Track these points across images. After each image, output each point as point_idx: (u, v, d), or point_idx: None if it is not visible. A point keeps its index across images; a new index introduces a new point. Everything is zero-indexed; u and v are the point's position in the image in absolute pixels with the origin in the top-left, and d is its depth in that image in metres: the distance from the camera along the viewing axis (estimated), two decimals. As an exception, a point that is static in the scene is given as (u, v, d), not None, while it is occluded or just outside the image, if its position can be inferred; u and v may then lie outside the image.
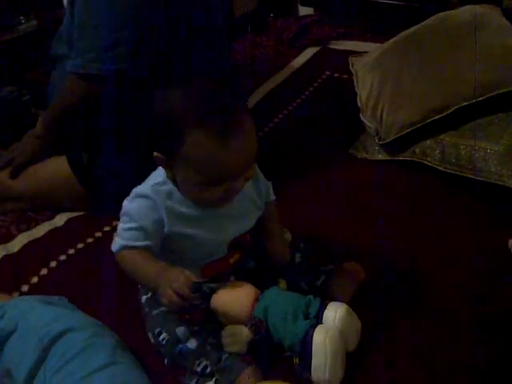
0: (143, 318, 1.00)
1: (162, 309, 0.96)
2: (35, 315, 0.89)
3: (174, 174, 0.89)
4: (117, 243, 0.95)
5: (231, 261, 1.01)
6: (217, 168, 0.83)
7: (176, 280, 0.86)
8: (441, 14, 1.67)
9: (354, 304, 0.98)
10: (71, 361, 0.81)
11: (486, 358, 0.96)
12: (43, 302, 0.94)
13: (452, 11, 1.67)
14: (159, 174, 0.93)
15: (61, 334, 0.84)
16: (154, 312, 0.97)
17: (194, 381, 0.91)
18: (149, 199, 0.91)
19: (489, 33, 1.49)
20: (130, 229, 0.92)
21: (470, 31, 1.50)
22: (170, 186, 0.92)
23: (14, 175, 1.35)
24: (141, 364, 0.91)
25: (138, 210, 0.92)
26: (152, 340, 0.95)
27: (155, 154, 0.88)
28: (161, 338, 0.93)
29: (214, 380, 0.90)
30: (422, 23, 1.68)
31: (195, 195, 0.89)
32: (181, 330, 0.92)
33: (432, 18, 1.68)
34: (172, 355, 0.93)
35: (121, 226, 0.95)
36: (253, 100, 1.85)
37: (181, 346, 0.91)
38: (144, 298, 1.01)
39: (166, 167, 0.90)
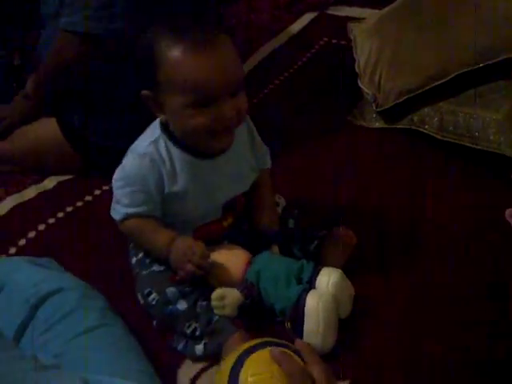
0: (133, 278, 0.98)
1: (154, 268, 0.95)
2: (23, 275, 0.87)
3: (165, 111, 0.87)
4: (118, 211, 0.93)
5: (225, 224, 0.99)
6: (197, 82, 0.81)
7: (193, 253, 0.88)
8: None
9: (346, 270, 0.97)
10: (60, 321, 0.80)
11: (480, 318, 0.96)
12: (31, 263, 0.92)
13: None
14: (154, 131, 0.91)
15: (49, 295, 0.82)
16: (144, 272, 0.95)
17: (183, 343, 0.90)
18: (148, 157, 0.89)
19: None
20: (132, 193, 0.91)
21: (473, -5, 1.46)
22: (166, 142, 0.90)
23: (1, 136, 1.32)
24: (129, 327, 0.89)
25: (138, 171, 0.90)
26: (141, 301, 0.94)
27: (142, 92, 0.86)
28: (150, 298, 0.91)
29: (202, 343, 0.88)
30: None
31: (188, 125, 0.85)
32: (171, 291, 0.90)
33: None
34: (161, 316, 0.91)
35: (120, 191, 0.93)
36: (249, 65, 1.81)
37: (171, 307, 0.90)
38: (134, 259, 0.99)
39: (154, 106, 0.87)
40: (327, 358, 0.84)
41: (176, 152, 0.90)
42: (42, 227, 1.18)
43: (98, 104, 1.27)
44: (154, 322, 0.93)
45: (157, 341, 0.92)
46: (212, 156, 0.92)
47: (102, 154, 1.25)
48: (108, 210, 1.06)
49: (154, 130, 0.92)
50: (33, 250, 1.11)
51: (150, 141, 0.90)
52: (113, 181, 0.95)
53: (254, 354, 0.70)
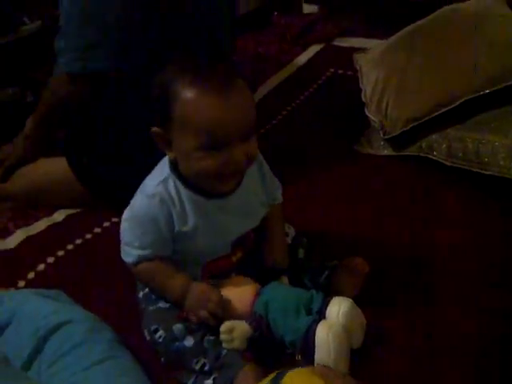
0: (140, 314, 0.97)
1: (160, 305, 0.94)
2: (32, 307, 0.87)
3: (174, 150, 0.86)
4: (129, 253, 0.93)
5: (234, 259, 0.98)
6: (211, 124, 0.80)
7: (209, 300, 0.88)
8: (446, 8, 1.63)
9: (358, 300, 0.95)
10: (67, 354, 0.79)
11: (494, 346, 0.95)
12: (40, 295, 0.92)
13: (457, 4, 1.64)
14: (163, 171, 0.91)
15: (58, 326, 0.82)
16: (151, 308, 0.94)
17: (192, 379, 0.88)
18: (158, 198, 0.88)
19: (495, 24, 1.46)
20: (142, 234, 0.90)
21: (475, 23, 1.47)
22: (175, 181, 0.89)
23: (3, 178, 1.34)
24: (138, 360, 0.88)
25: (148, 211, 0.89)
26: (148, 337, 0.92)
27: (153, 129, 0.86)
28: (157, 335, 0.90)
29: (212, 378, 0.86)
30: (427, 17, 1.65)
31: (197, 167, 0.84)
32: (178, 328, 0.89)
33: (437, 12, 1.65)
34: (168, 353, 0.90)
35: (129, 232, 0.92)
36: (257, 96, 1.82)
37: (177, 343, 0.88)
38: (141, 293, 0.98)
39: (164, 144, 0.87)
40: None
41: (185, 192, 0.89)
42: (51, 260, 1.18)
43: (106, 143, 1.28)
44: (162, 359, 0.92)
45: (165, 376, 0.91)
46: (221, 196, 0.91)
47: (111, 190, 1.26)
48: (117, 242, 1.06)
49: (162, 169, 0.91)
50: (42, 283, 1.11)
51: (158, 180, 0.89)
52: (122, 221, 0.94)
53: (290, 372, 0.71)
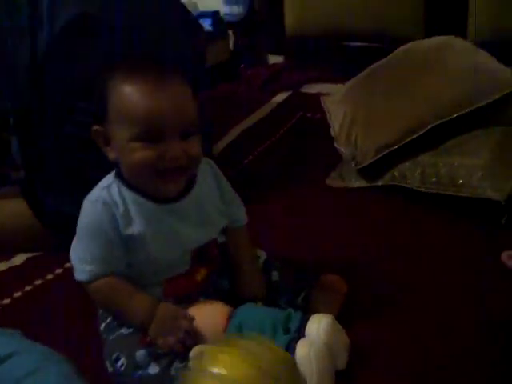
0: (102, 346, 0.88)
1: (122, 331, 0.86)
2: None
3: (113, 147, 0.84)
4: (83, 270, 0.86)
5: (198, 277, 0.91)
6: (144, 113, 0.79)
7: (179, 326, 0.83)
8: (405, 45, 1.67)
9: (339, 320, 0.88)
10: (14, 385, 0.69)
11: (482, 363, 0.89)
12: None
13: (417, 41, 1.68)
14: (107, 179, 0.87)
15: (3, 359, 0.72)
16: (112, 336, 0.86)
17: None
18: (100, 202, 0.84)
19: (455, 53, 1.50)
20: (92, 244, 0.84)
21: (436, 54, 1.51)
22: (119, 186, 0.85)
23: None
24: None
25: (93, 218, 0.84)
26: (110, 368, 0.84)
27: (93, 127, 0.84)
28: (118, 364, 0.82)
29: (182, 411, 0.77)
30: (388, 56, 1.69)
31: (133, 159, 0.80)
32: (141, 354, 0.81)
33: (396, 50, 1.69)
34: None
35: (79, 245, 0.87)
36: (229, 138, 1.82)
37: (141, 372, 0.80)
38: (103, 324, 0.90)
39: (103, 141, 0.85)
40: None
41: (129, 195, 0.85)
42: (6, 301, 1.09)
43: (55, 176, 1.23)
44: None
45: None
46: (168, 201, 0.87)
47: (63, 222, 1.19)
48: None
49: (107, 179, 0.88)
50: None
51: (102, 186, 0.86)
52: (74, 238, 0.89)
53: None
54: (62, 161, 1.21)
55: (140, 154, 0.80)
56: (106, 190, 0.85)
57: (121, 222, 0.83)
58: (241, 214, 1.00)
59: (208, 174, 0.93)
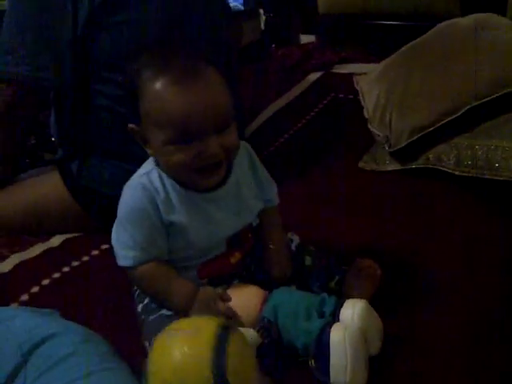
0: (139, 328, 0.90)
1: (163, 312, 0.87)
2: (17, 322, 0.79)
3: (149, 147, 0.83)
4: (126, 256, 0.87)
5: (232, 260, 0.92)
6: (175, 115, 0.76)
7: (218, 311, 0.84)
8: (442, 23, 1.63)
9: (372, 305, 0.88)
10: (54, 367, 0.71)
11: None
12: (29, 311, 0.85)
13: (454, 19, 1.63)
14: (147, 166, 0.87)
15: (44, 340, 0.75)
16: (152, 318, 0.88)
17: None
18: (140, 187, 0.84)
19: (494, 31, 1.45)
20: (135, 230, 0.85)
21: (474, 32, 1.46)
22: (160, 173, 0.85)
23: None
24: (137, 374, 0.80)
25: (134, 203, 0.85)
26: (149, 349, 0.85)
27: (129, 126, 0.83)
28: None
29: (218, 390, 0.79)
30: (425, 34, 1.65)
31: (169, 163, 0.80)
32: None
33: (433, 28, 1.64)
34: None
35: (122, 233, 0.87)
36: (258, 122, 1.81)
37: None
38: (140, 306, 0.92)
39: (141, 140, 0.84)
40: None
41: (170, 182, 0.85)
42: (46, 282, 1.12)
43: (91, 150, 1.24)
44: (164, 372, 0.85)
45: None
46: (207, 190, 0.87)
47: (99, 202, 1.21)
48: (115, 263, 1.00)
49: (147, 165, 0.88)
50: (35, 305, 1.03)
51: (142, 173, 0.86)
52: (114, 224, 0.89)
53: None
54: (97, 135, 1.21)
55: (176, 157, 0.79)
56: (146, 176, 0.85)
57: (162, 208, 0.84)
58: (273, 195, 1.00)
59: (243, 157, 0.92)
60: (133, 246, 0.86)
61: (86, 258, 1.20)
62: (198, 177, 0.82)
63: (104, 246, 1.23)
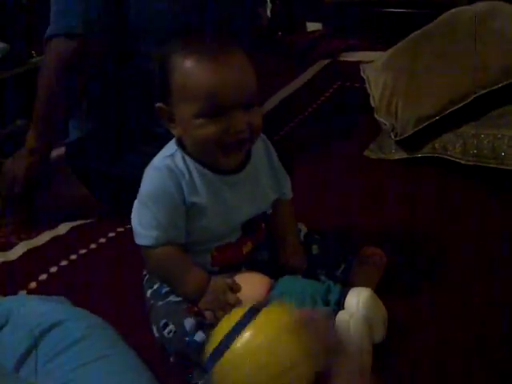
0: (148, 312, 0.91)
1: (170, 299, 0.88)
2: (28, 308, 0.81)
3: (177, 124, 0.85)
4: (146, 235, 0.87)
5: (244, 250, 0.93)
6: (208, 89, 0.80)
7: (226, 303, 0.85)
8: (449, 11, 1.62)
9: (377, 293, 0.89)
10: (65, 351, 0.73)
11: None
12: (38, 298, 0.87)
13: (461, 7, 1.62)
14: (170, 148, 0.89)
15: (55, 325, 0.76)
16: (160, 303, 0.89)
17: (203, 380, 0.81)
18: (165, 168, 0.86)
19: (502, 19, 1.44)
20: (158, 210, 0.86)
21: (482, 20, 1.45)
22: (183, 156, 0.87)
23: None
24: (144, 360, 0.82)
25: (158, 184, 0.86)
26: (156, 334, 0.87)
27: (156, 105, 0.86)
28: (166, 330, 0.84)
29: (225, 377, 0.80)
30: (431, 23, 1.64)
31: (198, 135, 0.82)
32: (189, 322, 0.83)
33: (440, 16, 1.63)
34: (178, 350, 0.83)
35: (145, 211, 0.87)
36: (265, 109, 1.80)
37: (187, 339, 0.82)
38: (150, 291, 0.93)
39: (167, 119, 0.86)
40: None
41: (194, 165, 0.87)
42: (53, 269, 1.13)
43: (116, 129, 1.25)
44: (171, 358, 0.86)
45: (174, 377, 0.84)
46: (228, 173, 0.89)
47: (99, 180, 1.23)
48: (122, 251, 1.02)
49: (170, 147, 0.89)
50: (43, 292, 1.04)
51: (166, 155, 0.88)
52: (134, 206, 0.90)
53: (266, 308, 0.71)
54: (124, 113, 1.22)
55: (205, 130, 0.81)
56: (171, 158, 0.87)
57: (186, 190, 0.86)
58: (287, 188, 1.01)
59: (260, 147, 0.94)
60: (156, 226, 0.87)
61: (93, 246, 1.21)
62: (222, 153, 0.84)
63: (111, 234, 1.25)
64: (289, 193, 1.01)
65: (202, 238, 0.90)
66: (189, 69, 0.81)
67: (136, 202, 0.89)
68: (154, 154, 0.90)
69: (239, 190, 0.90)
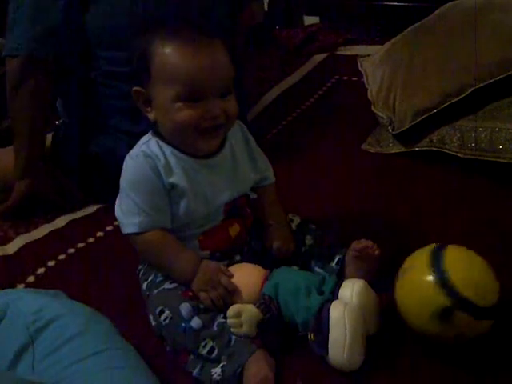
0: (145, 303, 0.92)
1: (165, 286, 0.89)
2: (24, 303, 0.81)
3: (153, 108, 0.88)
4: (131, 222, 0.89)
5: (231, 232, 0.95)
6: (188, 72, 0.84)
7: (219, 283, 0.87)
8: (447, 4, 1.61)
9: (372, 286, 0.89)
10: (61, 347, 0.74)
11: None
12: (35, 293, 0.87)
13: (458, 0, 1.61)
14: (145, 138, 0.92)
15: (51, 320, 0.77)
16: (155, 291, 0.90)
17: (199, 367, 0.82)
18: (142, 155, 0.89)
19: (501, 12, 1.43)
20: (139, 196, 0.88)
21: (480, 13, 1.44)
22: (158, 142, 0.90)
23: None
24: (141, 353, 0.82)
25: (137, 171, 0.89)
26: (153, 322, 0.88)
27: (134, 88, 0.89)
28: (162, 317, 0.85)
29: (220, 366, 0.80)
30: (429, 16, 1.63)
31: (175, 119, 0.86)
32: (185, 307, 0.84)
33: (438, 9, 1.63)
34: (174, 337, 0.84)
35: (126, 200, 0.89)
36: (262, 103, 1.81)
37: (184, 324, 0.83)
38: (145, 284, 0.94)
39: (144, 103, 0.89)
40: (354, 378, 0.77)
41: (169, 149, 0.90)
42: (51, 263, 1.14)
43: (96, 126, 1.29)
44: (168, 348, 0.87)
45: (170, 367, 0.85)
46: (204, 157, 0.92)
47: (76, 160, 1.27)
48: (120, 244, 1.02)
49: (145, 138, 0.93)
50: (41, 286, 1.05)
51: (141, 143, 0.92)
52: (117, 197, 0.92)
53: (452, 246, 0.85)
54: (98, 111, 1.26)
55: (183, 113, 0.85)
56: (145, 145, 0.90)
57: (162, 172, 0.88)
58: (269, 173, 1.04)
59: (237, 133, 0.97)
60: (137, 212, 0.88)
61: (91, 240, 1.22)
62: (199, 137, 0.87)
63: (109, 228, 1.25)
64: (271, 177, 1.04)
65: (187, 221, 0.92)
66: (170, 53, 0.85)
67: (119, 193, 0.91)
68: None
69: (217, 172, 0.92)
